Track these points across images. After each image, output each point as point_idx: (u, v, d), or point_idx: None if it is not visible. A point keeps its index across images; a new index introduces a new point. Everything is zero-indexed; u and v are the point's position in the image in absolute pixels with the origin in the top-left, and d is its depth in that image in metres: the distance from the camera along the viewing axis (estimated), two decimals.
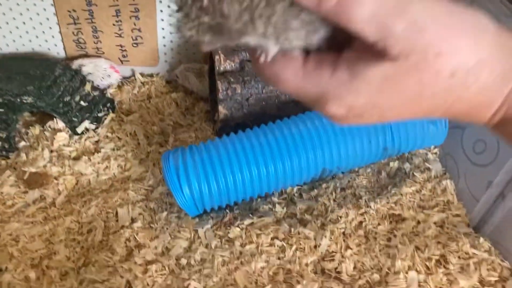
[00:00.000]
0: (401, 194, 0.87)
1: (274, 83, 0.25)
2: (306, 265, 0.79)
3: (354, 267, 0.78)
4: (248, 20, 0.23)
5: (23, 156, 0.95)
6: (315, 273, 0.78)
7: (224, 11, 0.22)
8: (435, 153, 0.94)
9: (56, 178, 0.91)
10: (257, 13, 0.22)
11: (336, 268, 0.78)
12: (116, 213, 0.85)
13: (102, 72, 1.05)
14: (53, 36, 1.08)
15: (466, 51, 0.23)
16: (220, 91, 0.85)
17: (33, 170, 0.91)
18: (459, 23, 0.22)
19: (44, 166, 0.93)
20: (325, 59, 0.23)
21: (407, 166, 0.92)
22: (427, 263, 0.76)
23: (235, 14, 0.22)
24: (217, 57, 0.88)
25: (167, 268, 0.78)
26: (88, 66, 1.03)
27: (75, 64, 1.03)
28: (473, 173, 0.81)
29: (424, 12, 0.21)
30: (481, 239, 0.78)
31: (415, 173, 0.90)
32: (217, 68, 0.87)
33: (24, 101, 0.92)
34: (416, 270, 0.75)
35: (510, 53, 0.24)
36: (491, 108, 0.25)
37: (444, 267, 0.75)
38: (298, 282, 0.76)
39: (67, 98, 0.96)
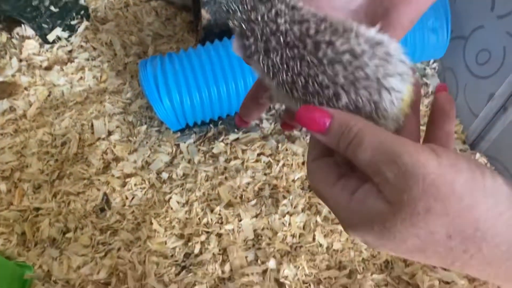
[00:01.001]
0: None
1: (313, 189, 0.28)
2: (293, 181, 0.75)
3: None
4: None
5: None
6: (302, 189, 0.74)
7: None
8: (434, 68, 0.88)
9: (26, 89, 0.84)
10: None
11: None
12: (92, 125, 0.79)
13: None
14: None
15: (460, 216, 0.21)
16: None
17: (0, 79, 0.84)
18: (455, 182, 0.21)
19: (13, 75, 0.85)
20: (349, 184, 0.25)
21: None
22: None
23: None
24: None
25: (147, 182, 0.74)
26: None
27: None
28: (474, 86, 0.76)
29: (414, 165, 0.21)
30: (477, 155, 0.74)
31: None
32: None
33: None
34: None
35: None
36: None
37: None
38: (284, 198, 0.73)
39: (35, 2, 0.87)
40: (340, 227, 0.69)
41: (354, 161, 0.24)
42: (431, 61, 0.88)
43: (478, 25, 0.74)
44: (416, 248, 0.22)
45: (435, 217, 0.21)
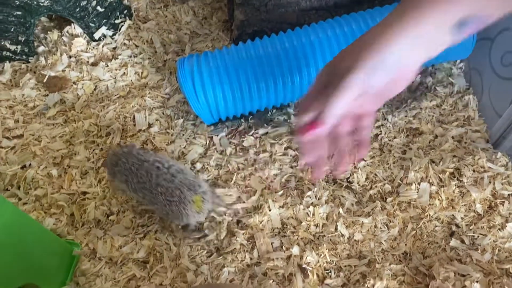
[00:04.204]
0: (421, 108, 0.84)
1: None
2: None
3: (366, 178, 0.78)
4: None
5: (42, 60, 0.95)
6: (327, 182, 0.79)
7: None
8: (460, 68, 0.90)
9: (74, 83, 0.92)
10: None
11: (347, 178, 0.79)
12: (134, 117, 0.86)
13: None
14: None
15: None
16: None
17: (52, 74, 0.92)
18: None
19: (63, 71, 0.93)
20: None
21: (429, 80, 0.88)
22: (441, 176, 0.76)
23: None
24: None
25: None
26: None
27: None
28: (498, 87, 0.77)
29: None
30: (499, 154, 0.76)
31: (437, 88, 0.87)
32: None
33: (41, 4, 0.91)
34: (429, 182, 0.75)
35: None
36: None
37: (458, 179, 0.75)
38: (309, 189, 0.77)
39: (84, 3, 0.94)
40: (361, 219, 0.73)
41: None
42: (458, 61, 0.89)
43: (504, 27, 0.75)
44: None
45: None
